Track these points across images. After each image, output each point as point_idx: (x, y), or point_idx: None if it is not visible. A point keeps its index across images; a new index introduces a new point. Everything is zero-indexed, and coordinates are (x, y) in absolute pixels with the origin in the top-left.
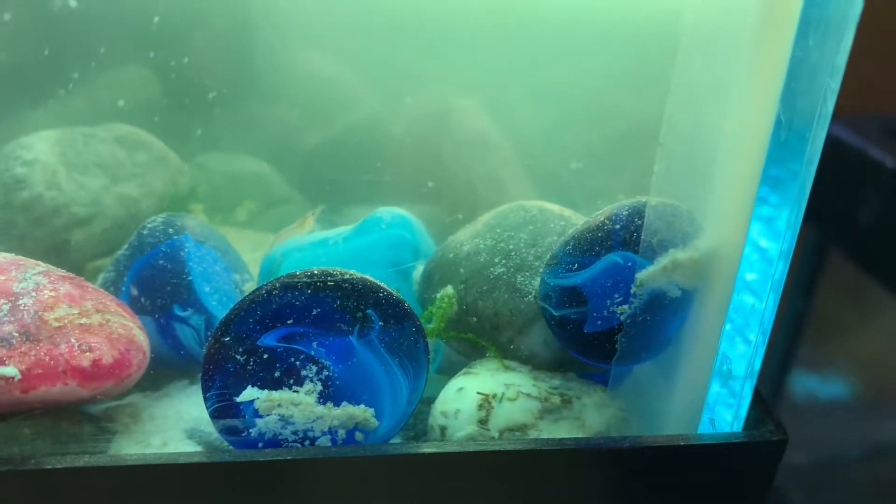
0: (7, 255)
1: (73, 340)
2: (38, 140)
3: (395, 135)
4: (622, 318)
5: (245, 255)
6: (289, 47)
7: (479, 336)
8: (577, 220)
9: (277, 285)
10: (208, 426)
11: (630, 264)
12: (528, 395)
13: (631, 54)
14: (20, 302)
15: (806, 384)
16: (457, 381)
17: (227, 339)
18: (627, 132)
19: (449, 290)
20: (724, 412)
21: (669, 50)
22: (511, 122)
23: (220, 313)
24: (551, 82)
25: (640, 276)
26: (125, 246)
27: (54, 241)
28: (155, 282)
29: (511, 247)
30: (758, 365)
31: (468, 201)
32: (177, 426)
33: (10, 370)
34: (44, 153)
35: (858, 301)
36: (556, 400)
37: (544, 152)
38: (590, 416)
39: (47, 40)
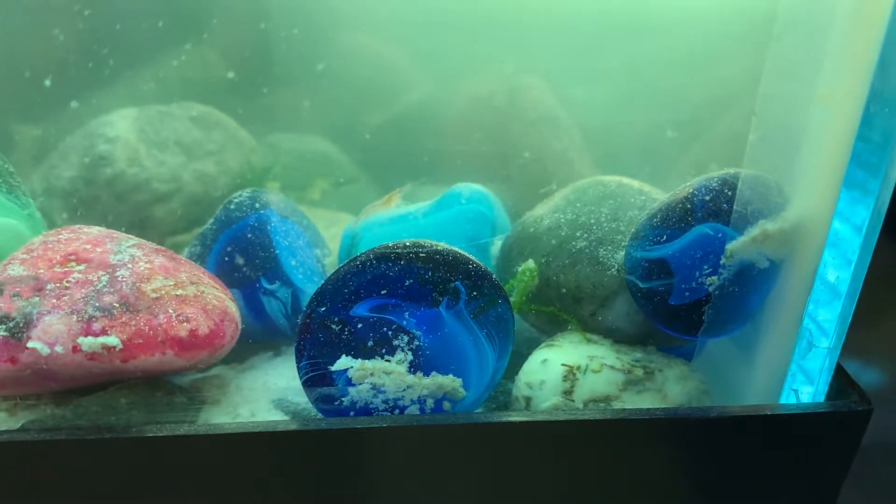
0: (100, 228)
1: (170, 311)
2: (118, 118)
3: (462, 114)
4: (711, 289)
5: (321, 231)
6: (350, 31)
7: (560, 309)
8: (657, 195)
9: (372, 256)
10: (295, 396)
11: (720, 235)
12: (612, 367)
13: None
14: (118, 273)
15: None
16: (540, 353)
17: (323, 308)
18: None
19: (530, 263)
20: (807, 384)
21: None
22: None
23: (305, 286)
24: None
25: (731, 246)
26: (210, 220)
27: (136, 216)
28: (243, 255)
29: (592, 221)
30: (842, 337)
31: (541, 177)
32: (264, 397)
33: (113, 340)
34: (125, 131)
35: None
36: (639, 372)
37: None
38: (672, 389)
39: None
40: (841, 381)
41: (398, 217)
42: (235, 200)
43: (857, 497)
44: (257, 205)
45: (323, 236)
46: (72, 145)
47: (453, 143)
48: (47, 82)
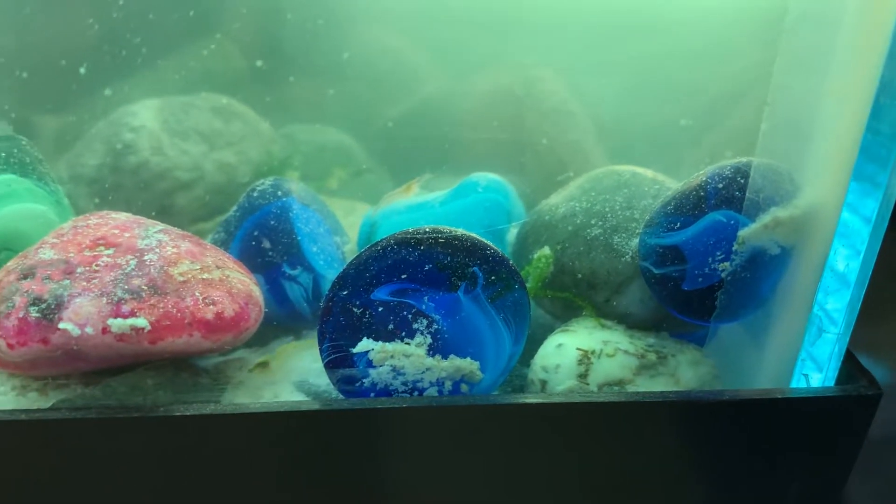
0: (127, 214)
1: (197, 294)
2: (143, 108)
3: (478, 106)
4: (723, 275)
5: (339, 220)
6: (368, 24)
7: (575, 295)
8: (670, 184)
9: (392, 241)
10: (317, 378)
11: (732, 222)
12: (626, 351)
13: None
14: (146, 257)
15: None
16: (556, 338)
17: (345, 292)
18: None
19: (546, 250)
20: (816, 370)
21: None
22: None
23: (326, 272)
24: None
25: (743, 233)
26: (234, 208)
27: (159, 204)
28: (266, 240)
29: (607, 209)
30: (852, 322)
31: (556, 168)
32: (286, 379)
33: (142, 321)
34: (149, 120)
35: None
36: (653, 357)
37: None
38: (684, 373)
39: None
40: (850, 367)
41: (416, 205)
42: (258, 188)
43: (864, 490)
44: (279, 192)
45: (342, 224)
46: (97, 134)
47: (470, 133)
48: (82, 70)
